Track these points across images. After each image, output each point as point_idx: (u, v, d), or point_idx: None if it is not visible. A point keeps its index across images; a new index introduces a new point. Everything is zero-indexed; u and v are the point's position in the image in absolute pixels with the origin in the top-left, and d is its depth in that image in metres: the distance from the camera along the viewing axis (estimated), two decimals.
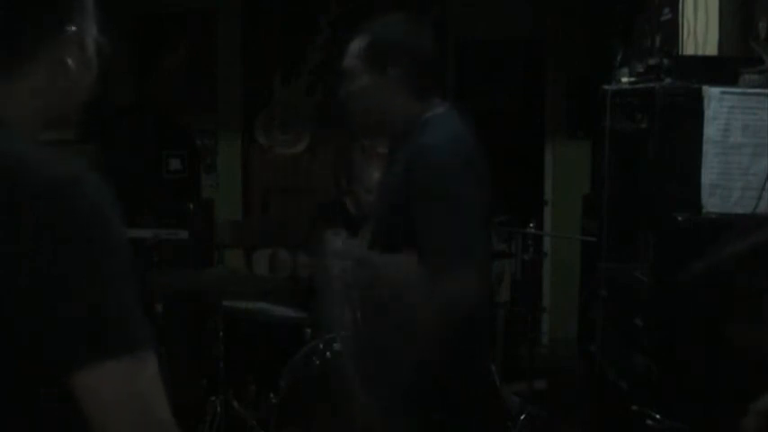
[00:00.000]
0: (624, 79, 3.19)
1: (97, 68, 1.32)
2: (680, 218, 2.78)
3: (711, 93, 2.79)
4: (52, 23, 1.23)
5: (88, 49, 1.29)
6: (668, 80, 2.87)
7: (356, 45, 2.33)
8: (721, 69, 2.92)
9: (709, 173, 2.80)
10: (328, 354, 3.33)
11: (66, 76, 1.25)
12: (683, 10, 3.41)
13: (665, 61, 2.95)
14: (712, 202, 2.80)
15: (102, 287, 1.12)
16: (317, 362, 3.31)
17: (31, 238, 1.09)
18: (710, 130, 2.79)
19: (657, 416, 2.74)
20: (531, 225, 4.84)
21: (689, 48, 3.36)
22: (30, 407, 1.15)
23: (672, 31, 3.55)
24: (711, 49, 3.31)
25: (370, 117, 2.35)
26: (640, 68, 3.15)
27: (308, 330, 3.77)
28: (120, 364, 1.11)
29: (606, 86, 3.23)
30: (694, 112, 2.79)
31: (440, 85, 2.39)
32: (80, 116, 1.33)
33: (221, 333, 3.66)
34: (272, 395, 3.57)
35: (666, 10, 3.71)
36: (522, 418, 3.92)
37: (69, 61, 1.25)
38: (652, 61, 3.06)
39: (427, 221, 2.14)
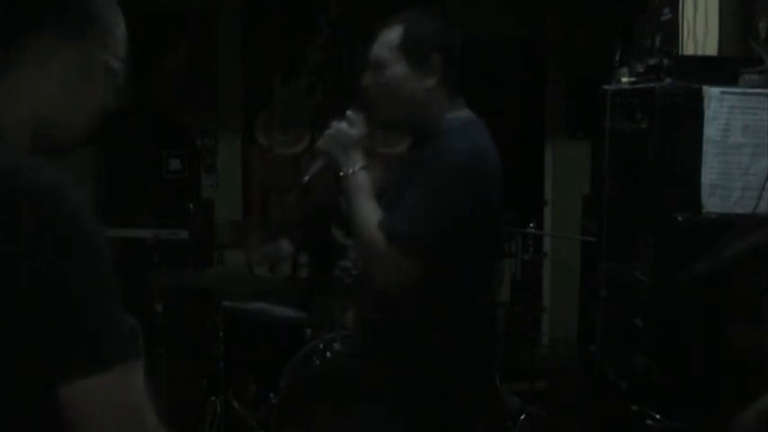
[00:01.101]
0: (624, 79, 3.19)
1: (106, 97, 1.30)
2: (680, 218, 2.78)
3: (711, 93, 2.79)
4: (52, 28, 1.22)
5: (95, 69, 1.27)
6: (668, 80, 2.87)
7: (387, 35, 2.24)
8: (721, 69, 2.92)
9: (709, 173, 2.80)
10: (328, 354, 3.34)
11: (53, 83, 1.23)
12: (683, 10, 3.41)
13: (665, 61, 2.95)
14: (712, 202, 2.80)
15: (86, 297, 1.12)
16: (317, 362, 3.32)
17: (25, 242, 1.09)
18: (710, 130, 2.79)
19: (657, 416, 2.74)
20: (531, 225, 4.85)
21: (689, 48, 3.36)
22: (30, 407, 1.14)
23: (672, 31, 3.55)
24: (711, 49, 3.31)
25: (400, 110, 2.25)
26: (640, 68, 3.15)
27: (308, 330, 3.77)
28: (110, 375, 1.11)
29: (606, 86, 3.23)
30: (694, 112, 2.79)
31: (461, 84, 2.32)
32: (79, 144, 1.30)
33: (221, 333, 3.66)
34: (272, 395, 3.57)
35: (666, 10, 3.71)
36: (522, 418, 3.93)
37: (64, 71, 1.23)
38: (652, 61, 3.06)
39: (412, 199, 2.13)
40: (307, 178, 2.30)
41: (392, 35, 2.24)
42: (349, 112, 2.24)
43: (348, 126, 2.23)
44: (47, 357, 1.10)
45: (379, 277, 2.17)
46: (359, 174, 2.20)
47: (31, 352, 1.10)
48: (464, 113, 2.29)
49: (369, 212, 2.16)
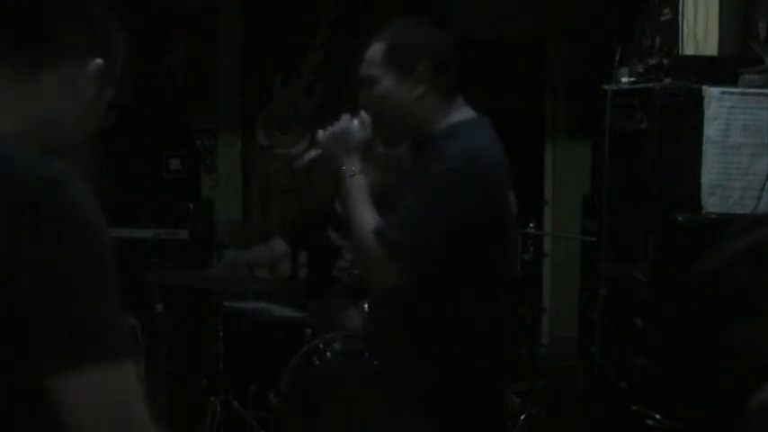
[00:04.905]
0: (624, 79, 3.19)
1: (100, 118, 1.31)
2: (680, 218, 2.78)
3: (711, 93, 2.79)
4: (79, 45, 1.24)
5: (105, 91, 1.29)
6: (668, 80, 2.87)
7: (374, 51, 2.24)
8: (721, 69, 2.93)
9: (709, 173, 2.80)
10: (328, 354, 3.33)
11: (75, 101, 1.25)
12: (683, 10, 3.41)
13: (665, 61, 2.95)
14: (712, 202, 2.80)
15: (86, 290, 1.11)
16: (317, 362, 3.32)
17: (19, 240, 1.09)
18: (710, 130, 2.79)
19: (657, 416, 2.74)
20: (531, 225, 4.83)
21: (689, 48, 3.36)
22: (30, 406, 1.14)
23: (672, 31, 3.55)
24: (711, 49, 3.31)
25: (396, 123, 2.25)
26: (640, 68, 3.16)
27: (308, 330, 3.76)
28: (100, 370, 1.10)
29: (606, 86, 3.23)
30: (694, 112, 2.79)
31: (461, 85, 2.32)
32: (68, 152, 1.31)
33: (221, 333, 3.66)
34: (272, 395, 3.57)
35: (666, 10, 3.71)
36: (522, 418, 3.93)
37: (84, 89, 1.25)
38: (652, 61, 3.07)
39: (408, 206, 2.13)
40: (300, 164, 2.29)
41: (377, 51, 2.24)
42: (363, 113, 2.23)
43: (358, 126, 2.22)
44: (38, 348, 1.10)
45: (375, 282, 2.19)
46: (357, 177, 2.20)
47: (27, 344, 1.10)
48: (462, 115, 2.27)
49: (365, 217, 2.15)
